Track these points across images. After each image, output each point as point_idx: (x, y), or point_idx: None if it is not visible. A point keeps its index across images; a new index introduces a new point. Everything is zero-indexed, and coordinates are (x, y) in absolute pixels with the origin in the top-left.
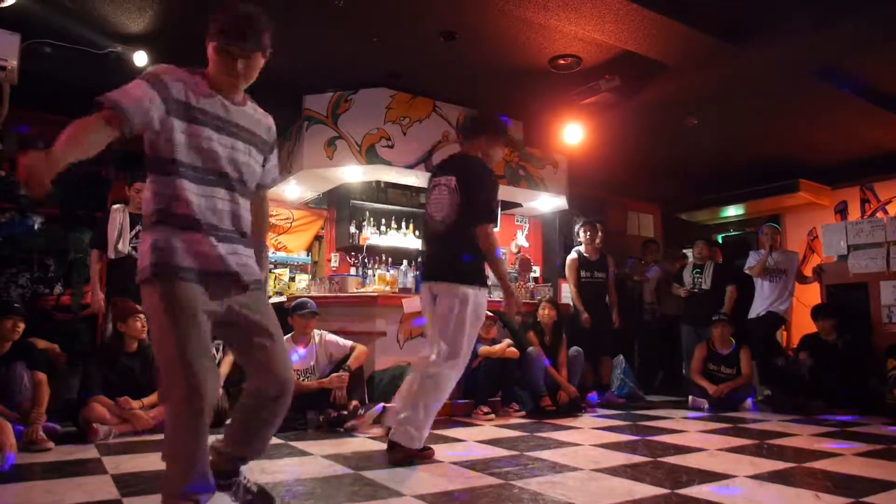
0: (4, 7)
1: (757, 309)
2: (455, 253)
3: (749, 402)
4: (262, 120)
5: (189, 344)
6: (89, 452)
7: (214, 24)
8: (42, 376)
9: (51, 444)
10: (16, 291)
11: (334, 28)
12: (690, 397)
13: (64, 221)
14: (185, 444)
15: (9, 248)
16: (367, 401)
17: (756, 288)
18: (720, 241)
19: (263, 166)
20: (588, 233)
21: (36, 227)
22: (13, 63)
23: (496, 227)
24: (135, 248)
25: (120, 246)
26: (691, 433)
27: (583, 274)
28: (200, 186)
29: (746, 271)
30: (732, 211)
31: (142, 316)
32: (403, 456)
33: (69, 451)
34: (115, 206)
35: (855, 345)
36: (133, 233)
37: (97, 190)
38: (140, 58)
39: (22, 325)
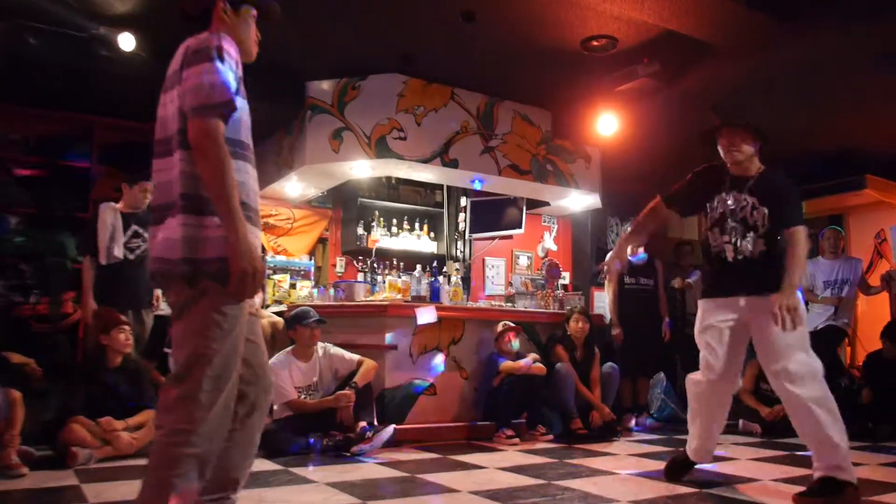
0: None
1: (814, 322)
2: None
3: None
4: None
5: None
6: (68, 479)
7: None
8: (16, 394)
9: (25, 470)
10: None
11: (342, 6)
12: (741, 421)
13: (41, 222)
14: None
15: None
16: (376, 422)
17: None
18: None
19: None
20: None
21: (10, 228)
22: None
23: None
24: (130, 251)
25: (116, 251)
26: (741, 461)
27: (626, 280)
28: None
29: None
30: None
31: (126, 328)
32: None
33: (46, 477)
34: (103, 206)
35: None
36: (129, 235)
37: (78, 187)
38: (125, 40)
39: None
